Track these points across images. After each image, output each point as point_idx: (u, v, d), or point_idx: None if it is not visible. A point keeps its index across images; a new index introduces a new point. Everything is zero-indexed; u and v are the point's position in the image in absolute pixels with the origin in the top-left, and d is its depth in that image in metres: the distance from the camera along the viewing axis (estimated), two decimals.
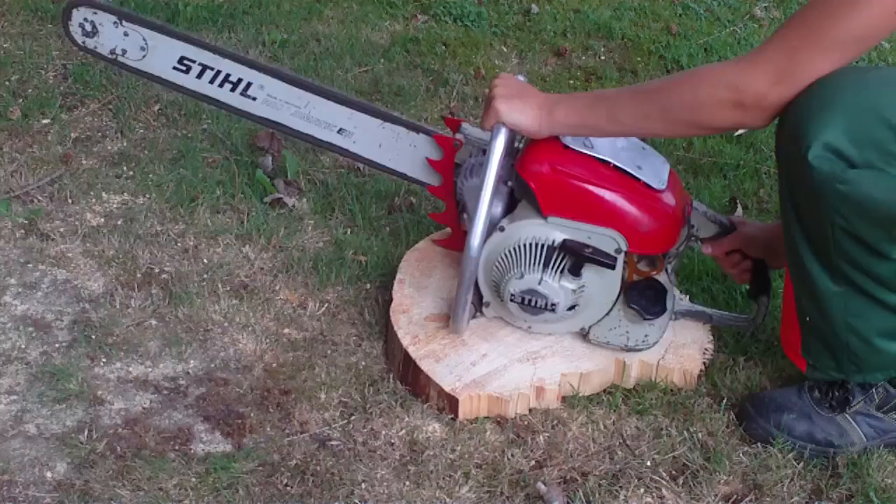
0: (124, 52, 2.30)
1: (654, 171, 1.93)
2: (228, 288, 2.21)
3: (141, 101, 2.77)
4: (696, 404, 2.00)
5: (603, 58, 3.29)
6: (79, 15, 2.30)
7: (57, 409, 1.91)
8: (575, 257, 1.91)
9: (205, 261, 2.28)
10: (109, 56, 2.33)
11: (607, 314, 1.99)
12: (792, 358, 1.94)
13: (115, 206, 2.43)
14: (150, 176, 2.52)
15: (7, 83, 2.82)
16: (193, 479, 1.78)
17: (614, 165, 1.90)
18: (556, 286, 1.94)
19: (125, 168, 2.55)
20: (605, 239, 1.90)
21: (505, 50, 3.28)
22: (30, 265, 2.24)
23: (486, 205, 1.85)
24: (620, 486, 1.83)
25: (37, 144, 2.60)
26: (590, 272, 1.93)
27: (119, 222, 2.37)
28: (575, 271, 1.93)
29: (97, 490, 1.75)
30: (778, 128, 1.74)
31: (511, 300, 1.97)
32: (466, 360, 1.98)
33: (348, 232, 2.41)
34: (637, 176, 1.90)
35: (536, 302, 1.96)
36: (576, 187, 1.89)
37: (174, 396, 1.96)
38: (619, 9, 3.58)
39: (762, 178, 2.70)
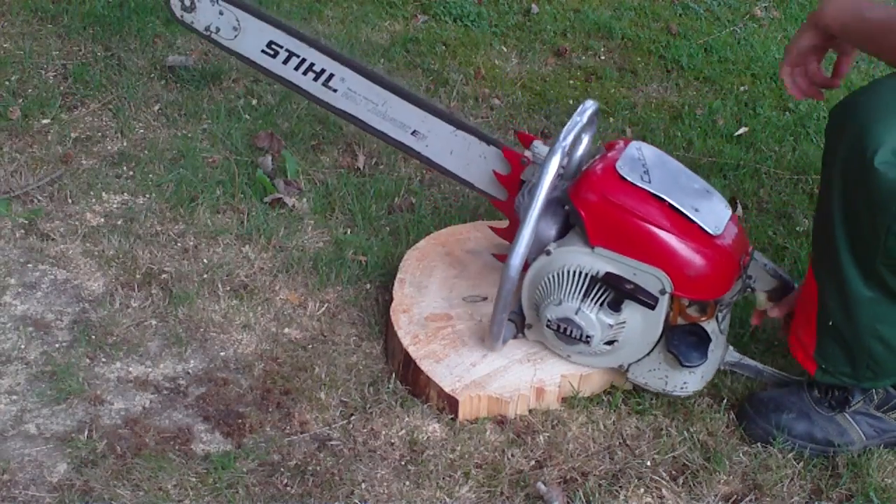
0: (218, 29, 2.39)
1: (713, 216, 1.86)
2: (228, 288, 2.21)
3: (141, 101, 2.77)
4: (696, 404, 2.00)
5: (603, 58, 3.29)
6: None
7: (57, 409, 1.91)
8: (615, 292, 1.85)
9: (205, 261, 2.28)
10: (204, 32, 2.41)
11: (647, 355, 1.93)
12: (800, 359, 1.90)
13: (115, 206, 2.43)
14: (150, 176, 2.52)
15: (7, 83, 2.82)
16: (193, 479, 1.78)
17: (669, 204, 1.83)
18: (594, 318, 1.88)
19: (125, 168, 2.55)
20: (650, 278, 1.84)
21: (505, 50, 3.28)
22: (30, 265, 2.24)
23: (530, 227, 1.82)
24: (620, 486, 1.83)
25: (37, 144, 2.60)
26: (631, 309, 1.87)
27: (119, 222, 2.37)
28: (615, 306, 1.87)
29: (97, 490, 1.75)
30: (832, 130, 1.71)
31: (547, 326, 1.92)
32: (466, 361, 1.98)
33: (348, 232, 2.41)
34: (692, 218, 1.83)
35: (571, 332, 1.90)
36: (625, 220, 1.83)
37: (174, 396, 1.96)
38: (619, 9, 3.58)
39: (762, 178, 2.70)
